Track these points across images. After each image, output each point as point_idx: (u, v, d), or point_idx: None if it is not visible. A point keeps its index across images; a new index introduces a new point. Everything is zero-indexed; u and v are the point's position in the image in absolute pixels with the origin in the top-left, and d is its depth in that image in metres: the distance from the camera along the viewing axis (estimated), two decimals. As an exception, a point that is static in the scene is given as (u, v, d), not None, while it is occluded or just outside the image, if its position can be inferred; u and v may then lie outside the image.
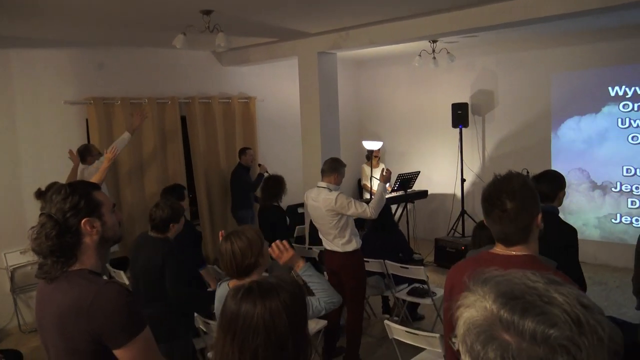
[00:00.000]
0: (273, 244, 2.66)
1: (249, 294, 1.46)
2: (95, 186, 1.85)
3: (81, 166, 5.58)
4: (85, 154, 5.64)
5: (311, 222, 5.97)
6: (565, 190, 3.28)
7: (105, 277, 1.83)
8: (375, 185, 7.92)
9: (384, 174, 4.54)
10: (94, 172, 5.55)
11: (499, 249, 1.82)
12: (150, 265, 3.44)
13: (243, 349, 1.41)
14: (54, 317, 1.69)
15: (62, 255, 1.70)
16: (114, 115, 6.62)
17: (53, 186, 1.95)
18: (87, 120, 6.48)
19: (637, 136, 6.89)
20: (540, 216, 1.77)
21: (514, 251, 1.78)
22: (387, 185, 4.73)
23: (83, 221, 1.72)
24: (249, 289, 1.48)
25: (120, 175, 6.67)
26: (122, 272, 4.98)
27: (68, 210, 1.71)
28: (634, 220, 6.94)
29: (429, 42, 6.83)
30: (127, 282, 4.75)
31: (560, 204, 3.23)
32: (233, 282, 2.51)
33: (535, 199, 1.78)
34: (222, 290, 2.57)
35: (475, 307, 0.82)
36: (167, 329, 3.30)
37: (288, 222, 5.27)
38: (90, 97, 6.40)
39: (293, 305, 1.46)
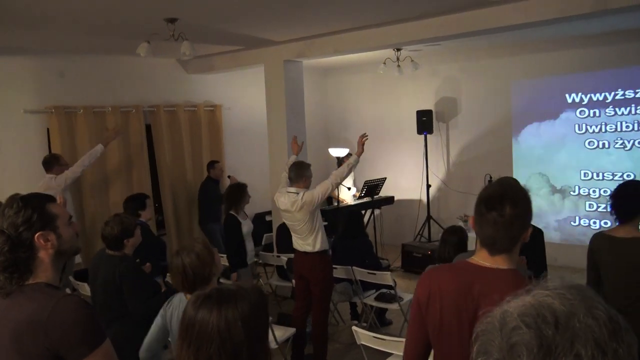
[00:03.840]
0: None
1: (208, 300, 1.44)
2: (51, 198, 1.80)
3: (48, 176, 5.44)
4: (53, 163, 5.51)
5: (279, 229, 5.98)
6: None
7: (67, 290, 1.80)
8: (344, 193, 7.98)
9: (363, 141, 4.64)
10: (62, 182, 5.44)
11: (481, 259, 1.79)
12: (107, 285, 3.36)
13: (198, 357, 1.39)
14: (10, 333, 1.63)
15: (15, 270, 1.66)
16: (76, 124, 6.49)
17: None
18: (48, 129, 6.34)
19: (593, 141, 7.14)
20: (530, 231, 1.76)
21: (498, 262, 1.75)
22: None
23: (37, 235, 1.68)
24: (208, 296, 1.45)
25: (84, 185, 6.53)
26: (85, 285, 4.87)
27: (21, 225, 1.66)
28: (591, 223, 7.18)
29: (394, 50, 6.94)
30: (89, 294, 4.64)
31: None
32: (189, 296, 2.50)
33: (531, 213, 1.76)
34: (176, 300, 2.56)
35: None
36: (130, 349, 3.24)
37: (252, 228, 5.18)
38: (52, 106, 6.26)
39: (251, 315, 1.43)
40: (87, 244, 6.59)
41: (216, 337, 1.38)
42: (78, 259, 6.16)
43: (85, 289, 4.85)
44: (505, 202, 1.70)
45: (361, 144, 4.64)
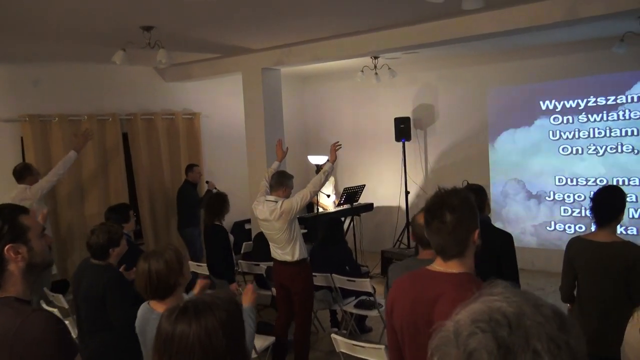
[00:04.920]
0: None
1: (184, 313, 1.43)
2: (23, 210, 1.76)
3: (21, 186, 5.34)
4: (25, 173, 5.41)
5: (256, 238, 5.96)
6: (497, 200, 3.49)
7: (42, 302, 1.76)
8: (323, 200, 8.00)
9: (336, 148, 4.67)
10: (37, 192, 5.33)
11: (437, 265, 1.87)
12: (91, 295, 3.30)
13: None
14: None
15: None
16: (50, 133, 6.40)
17: None
18: (22, 138, 6.23)
19: (567, 147, 7.28)
20: (477, 232, 1.83)
21: (451, 267, 1.83)
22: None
23: (6, 247, 1.64)
24: (184, 309, 1.45)
25: (59, 195, 6.43)
26: (60, 296, 4.79)
27: None
28: (567, 227, 7.31)
29: (371, 58, 6.99)
30: (65, 305, 4.57)
31: (489, 211, 3.41)
32: (153, 303, 2.47)
33: (474, 215, 1.84)
34: (142, 310, 2.53)
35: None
36: (114, 359, 3.19)
37: (232, 240, 5.18)
38: (25, 114, 6.17)
39: (230, 322, 1.44)
40: (63, 255, 6.49)
41: (198, 349, 1.38)
42: (53, 270, 6.05)
43: (60, 300, 4.77)
44: (444, 210, 1.80)
45: (334, 151, 4.69)
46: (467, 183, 6.76)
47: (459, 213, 1.79)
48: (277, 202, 4.41)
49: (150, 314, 2.45)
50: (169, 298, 2.40)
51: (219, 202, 5.10)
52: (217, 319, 1.41)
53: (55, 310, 4.51)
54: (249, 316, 2.69)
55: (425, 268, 1.91)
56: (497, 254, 3.06)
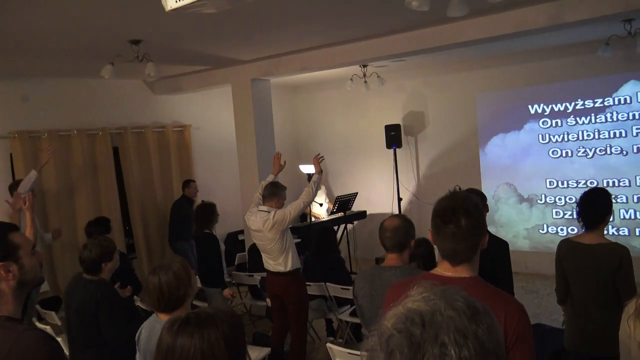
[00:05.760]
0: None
1: (186, 325, 1.43)
2: (13, 227, 1.76)
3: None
4: (13, 190, 5.37)
5: (251, 248, 5.94)
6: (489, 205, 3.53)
7: (34, 319, 1.75)
8: (316, 208, 8.00)
9: (318, 160, 4.75)
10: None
11: (443, 270, 1.83)
12: (83, 310, 3.27)
13: None
14: None
15: None
16: (40, 149, 6.35)
17: None
18: (11, 155, 6.20)
19: (556, 150, 7.33)
20: (487, 237, 1.82)
21: (460, 272, 1.79)
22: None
23: None
24: (186, 320, 1.44)
25: (50, 210, 6.39)
26: (53, 313, 4.74)
27: None
28: (559, 230, 7.34)
29: (360, 66, 7.03)
30: (58, 322, 4.52)
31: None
32: (162, 315, 2.46)
33: (484, 220, 1.84)
34: (150, 322, 2.51)
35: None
36: None
37: (224, 249, 5.17)
38: (15, 130, 6.14)
39: (232, 335, 1.43)
40: (56, 272, 6.43)
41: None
42: (45, 286, 6.00)
43: (52, 317, 4.72)
44: (459, 214, 1.75)
45: (317, 163, 4.74)
46: (459, 188, 6.83)
47: (474, 218, 1.76)
48: (269, 212, 4.42)
49: (156, 323, 2.44)
50: (178, 310, 2.38)
51: (207, 211, 5.12)
52: (221, 332, 1.41)
53: (47, 328, 4.47)
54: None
55: (431, 273, 1.86)
56: (491, 258, 3.08)
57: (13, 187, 5.41)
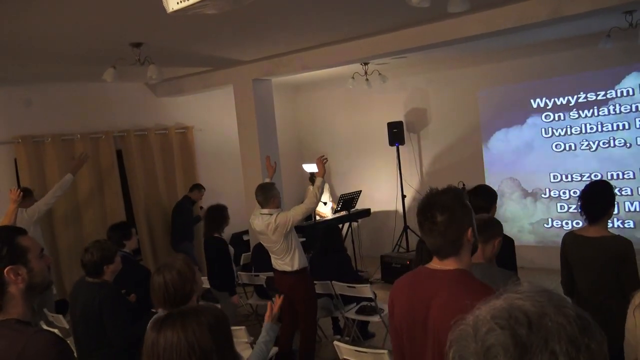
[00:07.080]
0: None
1: (169, 319, 1.46)
2: (21, 231, 1.77)
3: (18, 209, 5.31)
4: (26, 197, 5.37)
5: (255, 248, 5.95)
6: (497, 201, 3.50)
7: (42, 323, 1.76)
8: (321, 207, 7.99)
9: (322, 162, 4.64)
10: (34, 215, 5.32)
11: (434, 263, 1.88)
12: (87, 313, 3.29)
13: None
14: None
15: None
16: (44, 153, 6.39)
17: None
18: (15, 160, 6.22)
19: (560, 144, 7.31)
20: (471, 230, 1.82)
21: (446, 264, 1.83)
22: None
23: (6, 269, 1.64)
24: (168, 315, 1.48)
25: (56, 215, 6.41)
26: (60, 317, 4.76)
27: None
28: (564, 224, 7.33)
29: (361, 64, 7.03)
30: (66, 326, 4.54)
31: (494, 213, 3.40)
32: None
33: (467, 213, 1.83)
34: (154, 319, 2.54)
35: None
36: None
37: (232, 252, 5.18)
38: (19, 135, 6.16)
39: (217, 324, 1.46)
40: (63, 275, 6.46)
41: (184, 347, 1.40)
42: (54, 289, 6.02)
43: (61, 320, 4.75)
44: (434, 211, 1.79)
45: (321, 165, 4.67)
46: (463, 184, 6.82)
47: (449, 213, 1.78)
48: (272, 214, 4.47)
49: None
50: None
51: (219, 213, 5.10)
52: (204, 322, 1.44)
53: (55, 331, 4.49)
54: (267, 333, 2.67)
55: (424, 266, 1.92)
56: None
57: (26, 192, 5.43)
